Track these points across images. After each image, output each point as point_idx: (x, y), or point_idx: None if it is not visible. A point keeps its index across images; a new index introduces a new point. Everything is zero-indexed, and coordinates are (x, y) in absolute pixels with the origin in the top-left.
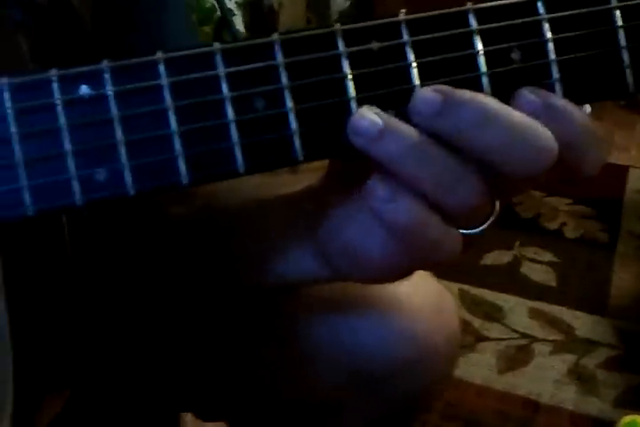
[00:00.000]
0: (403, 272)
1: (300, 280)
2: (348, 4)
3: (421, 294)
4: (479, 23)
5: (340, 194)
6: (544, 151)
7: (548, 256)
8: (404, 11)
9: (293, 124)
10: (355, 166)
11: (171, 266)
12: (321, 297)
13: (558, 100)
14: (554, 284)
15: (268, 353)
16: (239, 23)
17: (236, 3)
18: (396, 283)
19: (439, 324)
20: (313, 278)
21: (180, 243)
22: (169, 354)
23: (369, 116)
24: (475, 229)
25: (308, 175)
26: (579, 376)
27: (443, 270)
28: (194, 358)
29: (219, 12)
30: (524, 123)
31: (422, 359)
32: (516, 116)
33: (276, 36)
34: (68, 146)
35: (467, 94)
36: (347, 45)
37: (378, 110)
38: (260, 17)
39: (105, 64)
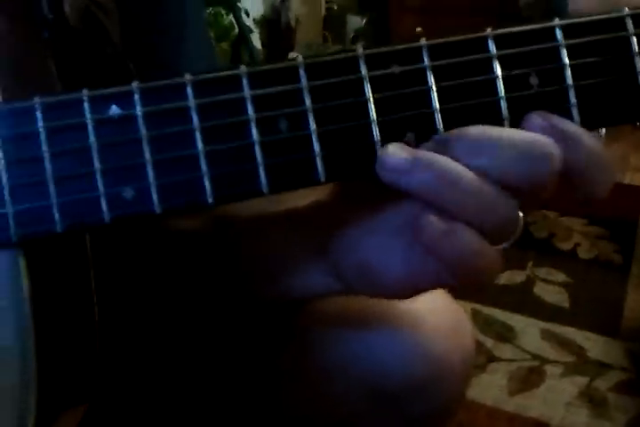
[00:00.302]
0: (421, 291)
1: (310, 294)
2: (363, 22)
3: (439, 313)
4: (498, 49)
5: (351, 211)
6: (540, 159)
7: (561, 277)
8: (419, 29)
9: (316, 146)
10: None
11: (179, 279)
12: (337, 313)
13: (566, 124)
14: (566, 305)
15: (284, 370)
16: (256, 40)
17: (253, 20)
18: (414, 300)
19: (455, 343)
20: (324, 292)
21: (188, 256)
22: (184, 372)
23: (397, 153)
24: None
25: (318, 188)
26: (590, 399)
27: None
28: (208, 377)
29: (236, 29)
30: (519, 139)
31: (438, 378)
32: (509, 134)
33: (300, 60)
34: (97, 164)
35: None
36: (369, 69)
37: (402, 145)
38: (278, 34)
39: (135, 85)
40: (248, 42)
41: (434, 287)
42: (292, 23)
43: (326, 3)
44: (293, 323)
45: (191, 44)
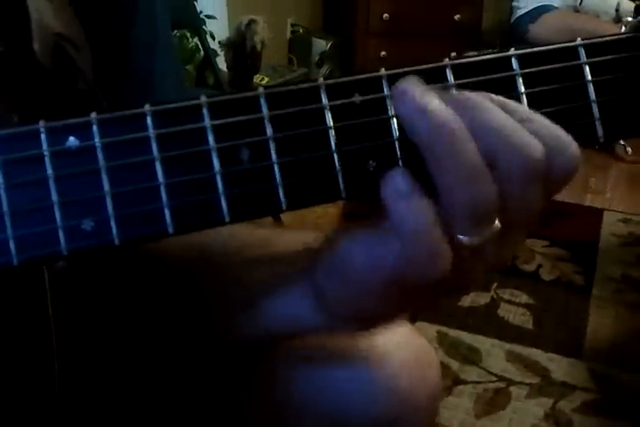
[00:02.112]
0: (389, 280)
1: (292, 327)
2: (328, 45)
3: (404, 348)
4: (456, 78)
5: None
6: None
7: (524, 298)
8: (384, 53)
9: (278, 175)
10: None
11: (153, 308)
12: (302, 348)
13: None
14: (530, 326)
15: (250, 409)
16: (222, 63)
17: (219, 43)
18: (381, 337)
19: (421, 379)
20: (310, 325)
21: (167, 281)
22: (153, 404)
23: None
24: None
25: (307, 233)
26: (556, 421)
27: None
28: (175, 411)
29: (202, 52)
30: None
31: (403, 415)
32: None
33: (261, 90)
34: (54, 197)
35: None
36: (329, 99)
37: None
38: (243, 57)
39: (93, 116)
40: (213, 65)
41: (401, 273)
42: (258, 46)
43: (292, 26)
44: (258, 357)
45: (161, 73)
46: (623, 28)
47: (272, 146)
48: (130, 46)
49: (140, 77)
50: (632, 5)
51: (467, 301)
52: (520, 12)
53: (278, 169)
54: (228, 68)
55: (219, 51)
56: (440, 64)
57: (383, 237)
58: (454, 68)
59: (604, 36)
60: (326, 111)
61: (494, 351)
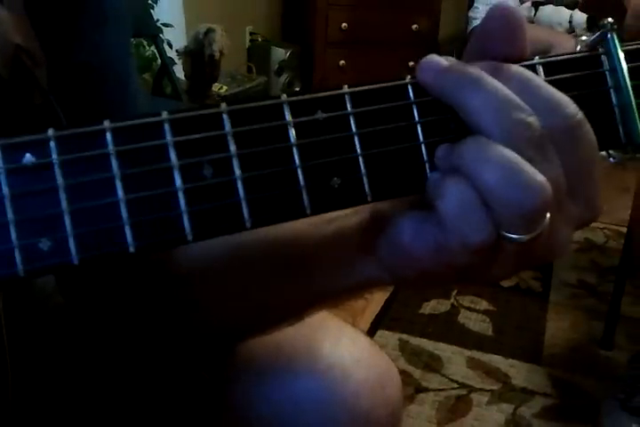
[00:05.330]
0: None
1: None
2: (287, 54)
3: (365, 365)
4: (416, 96)
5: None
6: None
7: (484, 305)
8: (343, 62)
9: (241, 192)
10: None
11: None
12: (263, 363)
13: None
14: (490, 333)
15: (211, 423)
16: (179, 71)
17: (176, 51)
18: (341, 353)
19: (382, 397)
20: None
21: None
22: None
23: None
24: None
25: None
26: (516, 426)
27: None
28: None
29: (159, 61)
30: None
31: None
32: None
33: (224, 107)
34: (10, 215)
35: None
36: (293, 115)
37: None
38: (201, 66)
39: (50, 133)
40: (171, 73)
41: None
42: (216, 55)
43: (250, 35)
44: (218, 378)
45: (117, 83)
46: (579, 47)
47: (235, 163)
48: (86, 63)
49: (96, 94)
50: (584, 17)
51: (427, 308)
52: (476, 23)
53: (242, 186)
54: (185, 76)
55: (176, 59)
56: (401, 82)
57: (427, 214)
58: (414, 87)
59: (563, 54)
60: (290, 128)
61: (455, 358)
